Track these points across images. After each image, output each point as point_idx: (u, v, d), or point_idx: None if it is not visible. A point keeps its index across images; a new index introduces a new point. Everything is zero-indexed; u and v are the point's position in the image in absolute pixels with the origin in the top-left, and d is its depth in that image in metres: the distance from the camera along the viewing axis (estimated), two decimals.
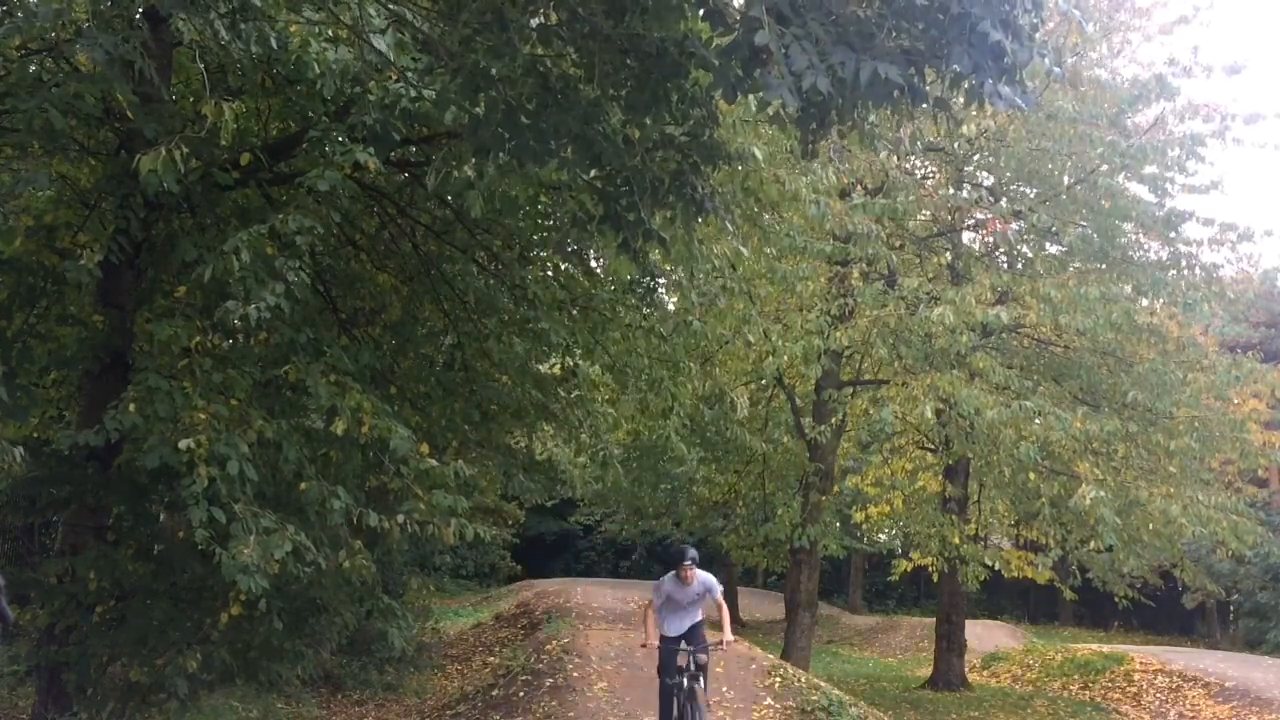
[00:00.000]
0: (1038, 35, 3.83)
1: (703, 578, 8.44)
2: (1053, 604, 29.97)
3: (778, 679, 11.17)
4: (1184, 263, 13.56)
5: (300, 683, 10.80)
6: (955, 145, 13.40)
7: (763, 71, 3.39)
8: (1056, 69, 4.25)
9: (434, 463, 7.31)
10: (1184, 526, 12.34)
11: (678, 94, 4.62)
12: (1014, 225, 12.77)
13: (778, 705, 10.58)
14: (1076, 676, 16.68)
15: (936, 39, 3.57)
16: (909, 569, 17.17)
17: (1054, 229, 12.79)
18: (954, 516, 14.65)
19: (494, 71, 4.64)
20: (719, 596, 8.58)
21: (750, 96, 6.43)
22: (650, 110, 4.59)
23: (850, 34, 3.46)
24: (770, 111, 4.38)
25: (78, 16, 5.85)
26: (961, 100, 3.85)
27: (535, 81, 4.60)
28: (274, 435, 6.78)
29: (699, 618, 8.75)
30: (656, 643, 8.50)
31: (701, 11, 4.16)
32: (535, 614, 20.08)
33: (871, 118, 5.08)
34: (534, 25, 4.69)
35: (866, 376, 14.77)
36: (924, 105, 3.91)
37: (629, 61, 4.49)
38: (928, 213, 13.28)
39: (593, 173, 5.07)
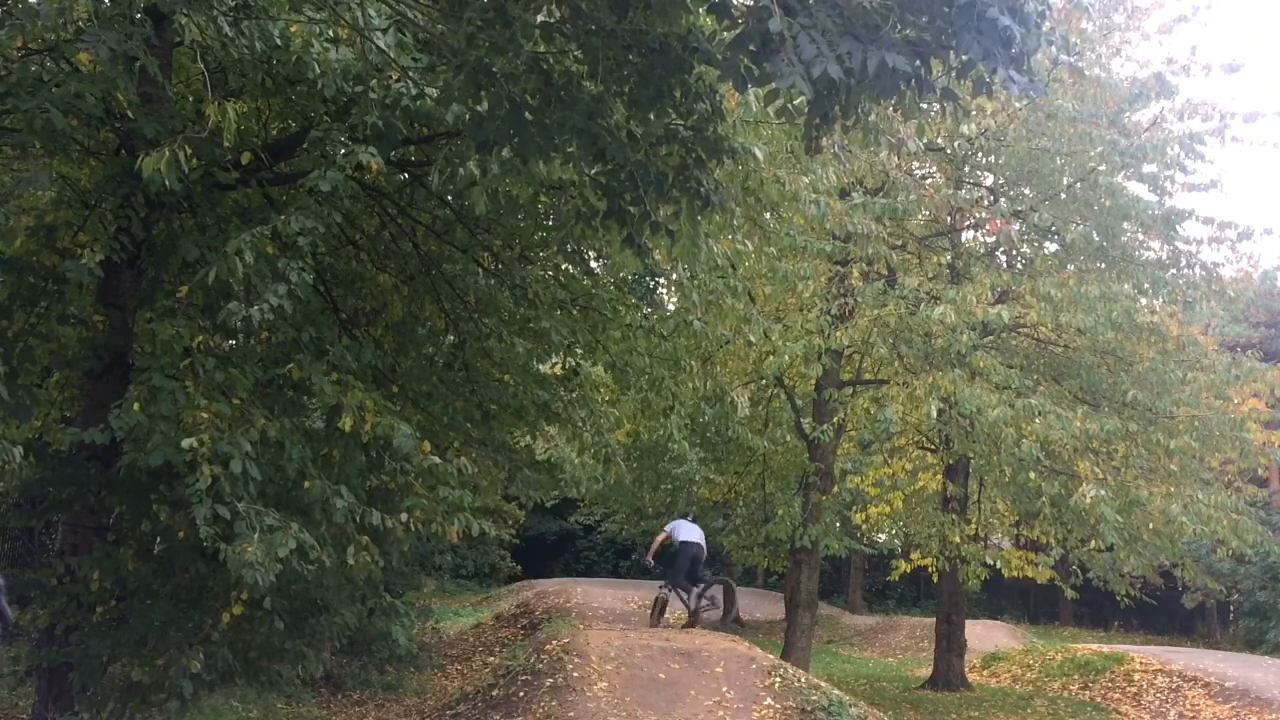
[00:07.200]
0: (1044, 25, 3.84)
1: None
2: (1053, 604, 29.96)
3: (778, 679, 11.13)
4: (1184, 261, 13.59)
5: (300, 682, 10.79)
6: (955, 145, 13.41)
7: (773, 61, 3.40)
8: (1065, 56, 4.26)
9: (437, 460, 7.31)
10: (1184, 525, 12.33)
11: (681, 89, 4.64)
12: (1015, 225, 12.78)
13: (778, 705, 10.55)
14: (1076, 676, 16.67)
15: (943, 29, 3.59)
16: (908, 570, 17.17)
17: (1054, 228, 12.80)
18: (954, 516, 14.64)
19: (496, 68, 4.65)
20: None
21: (751, 97, 6.47)
22: (654, 105, 4.60)
23: (856, 26, 3.48)
24: (777, 105, 4.39)
25: (78, 16, 5.84)
26: (969, 88, 3.86)
27: (538, 78, 4.61)
28: (276, 434, 6.78)
29: None
30: None
31: (705, 6, 4.17)
32: (535, 614, 20.10)
33: (872, 116, 5.09)
34: (537, 22, 4.69)
35: (867, 376, 14.77)
36: (932, 97, 3.92)
37: (632, 57, 4.50)
38: (928, 212, 13.28)
39: (596, 168, 5.08)
